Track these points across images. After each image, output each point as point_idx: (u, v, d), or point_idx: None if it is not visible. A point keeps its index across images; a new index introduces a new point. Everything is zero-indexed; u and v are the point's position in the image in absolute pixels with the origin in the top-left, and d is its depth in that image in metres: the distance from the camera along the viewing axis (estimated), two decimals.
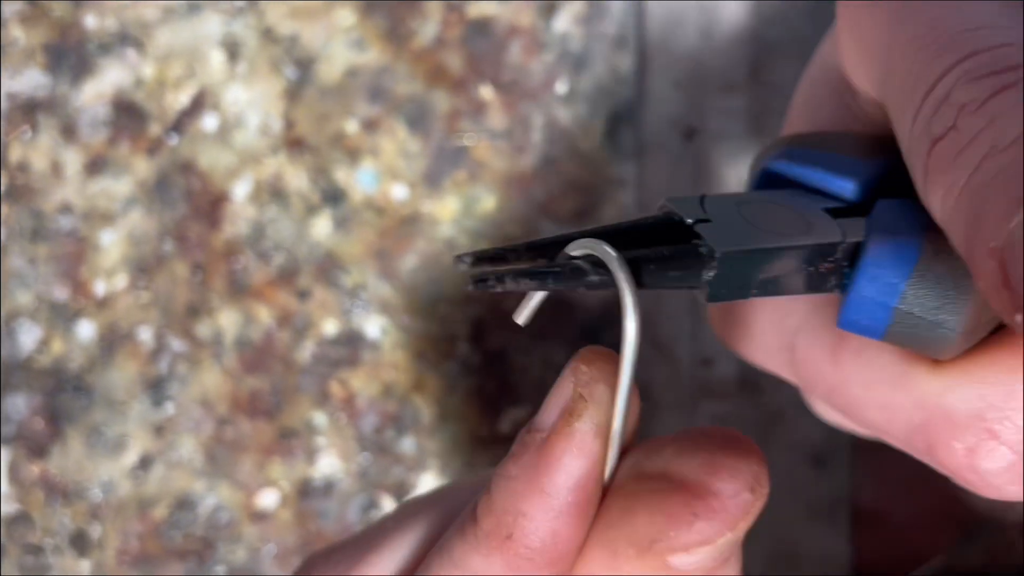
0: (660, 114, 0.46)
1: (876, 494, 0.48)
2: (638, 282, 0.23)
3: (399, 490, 0.46)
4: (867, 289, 0.24)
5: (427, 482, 0.46)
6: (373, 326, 0.45)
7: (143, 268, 0.43)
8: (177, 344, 0.44)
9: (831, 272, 0.25)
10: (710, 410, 0.46)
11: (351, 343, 0.45)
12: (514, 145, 0.46)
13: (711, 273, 0.23)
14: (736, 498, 0.24)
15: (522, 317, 0.26)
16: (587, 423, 0.25)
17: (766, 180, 0.28)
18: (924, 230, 0.24)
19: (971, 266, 0.20)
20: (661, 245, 0.24)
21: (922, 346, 0.25)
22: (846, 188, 0.26)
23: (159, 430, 0.44)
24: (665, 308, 0.46)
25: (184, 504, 0.44)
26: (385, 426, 0.46)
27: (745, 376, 0.46)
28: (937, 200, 0.22)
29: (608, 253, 0.23)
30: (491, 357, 0.46)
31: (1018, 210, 0.19)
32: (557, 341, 0.46)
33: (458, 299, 0.46)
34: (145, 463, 0.44)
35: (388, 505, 0.46)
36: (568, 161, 0.46)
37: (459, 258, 0.23)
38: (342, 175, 0.44)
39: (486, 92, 0.45)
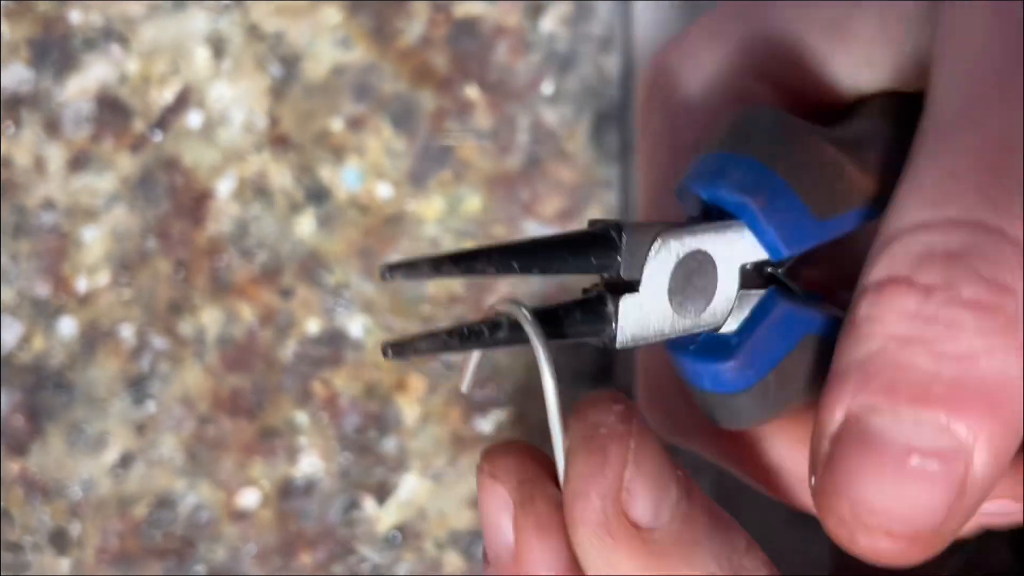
0: None
1: None
2: (551, 334, 0.25)
3: (381, 490, 0.46)
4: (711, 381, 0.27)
5: (409, 482, 0.46)
6: (356, 325, 0.45)
7: (126, 265, 0.43)
8: (159, 342, 0.44)
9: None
10: None
11: (334, 342, 0.45)
12: (499, 145, 0.46)
13: (615, 331, 0.25)
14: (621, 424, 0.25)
15: (465, 385, 0.27)
16: (541, 502, 0.25)
17: (707, 203, 0.28)
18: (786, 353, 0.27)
19: None
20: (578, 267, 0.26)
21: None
22: (779, 252, 0.27)
23: (140, 428, 0.44)
24: None
25: (164, 503, 0.44)
26: (367, 426, 0.46)
27: None
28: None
29: (523, 315, 0.24)
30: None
31: None
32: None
33: (441, 299, 0.46)
34: (126, 461, 0.44)
35: (370, 506, 0.46)
36: (553, 161, 0.47)
37: (382, 272, 0.24)
38: (327, 173, 0.45)
39: (472, 92, 0.46)
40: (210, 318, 0.44)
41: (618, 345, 0.26)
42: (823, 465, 0.25)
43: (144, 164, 0.43)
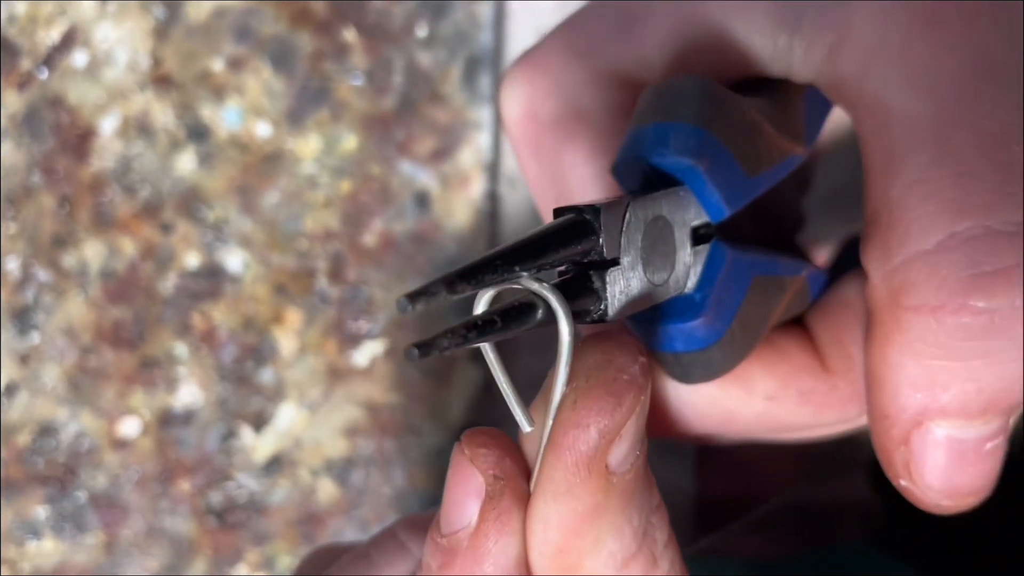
0: None
1: None
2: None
3: (258, 420, 0.48)
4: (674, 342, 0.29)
5: (286, 412, 0.49)
6: (235, 260, 0.47)
7: (11, 199, 0.44)
8: (43, 274, 0.45)
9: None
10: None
11: (213, 276, 0.47)
12: (375, 87, 0.48)
13: (606, 305, 0.27)
14: (633, 367, 0.26)
15: (528, 428, 0.27)
16: (509, 499, 0.26)
17: (648, 169, 0.29)
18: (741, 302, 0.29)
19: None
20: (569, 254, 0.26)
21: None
22: (721, 212, 0.29)
23: (24, 358, 0.45)
24: None
25: (47, 431, 0.46)
26: (245, 357, 0.48)
27: None
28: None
29: (550, 296, 0.25)
30: (349, 291, 0.48)
31: None
32: (415, 277, 0.49)
33: (318, 234, 0.48)
34: (10, 390, 0.45)
35: (247, 434, 0.48)
36: (428, 103, 0.49)
37: (401, 306, 0.23)
38: (207, 112, 0.46)
39: (349, 34, 0.47)
40: (93, 252, 0.46)
41: (610, 318, 0.27)
42: (906, 470, 0.28)
43: (30, 101, 0.44)
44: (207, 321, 0.47)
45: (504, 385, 0.27)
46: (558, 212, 0.27)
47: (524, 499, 0.26)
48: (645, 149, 0.28)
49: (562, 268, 0.27)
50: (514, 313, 0.25)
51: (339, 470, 0.49)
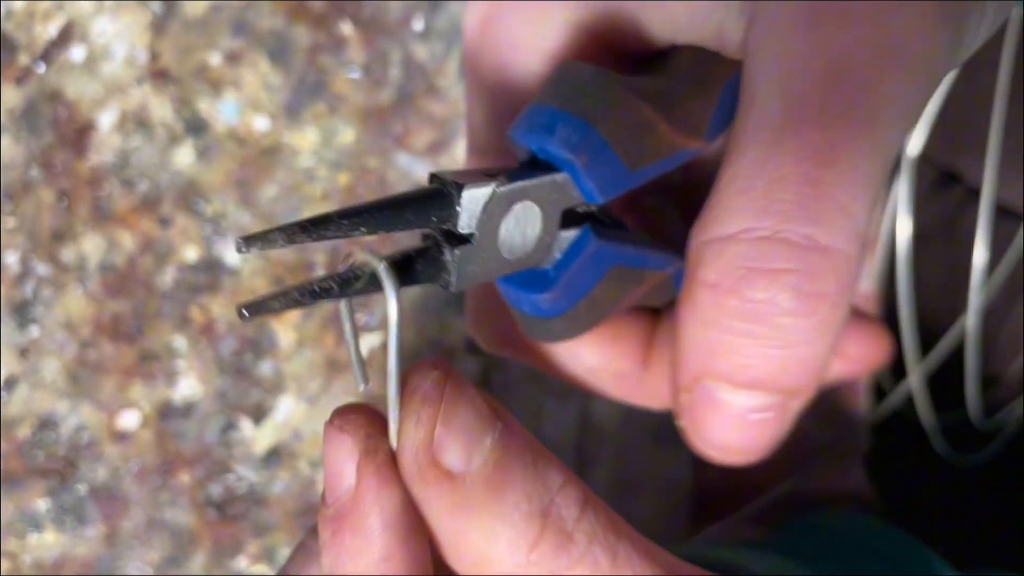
0: None
1: None
2: (400, 281, 0.28)
3: (257, 412, 0.49)
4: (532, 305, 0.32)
5: (285, 405, 0.49)
6: (233, 253, 0.47)
7: (10, 194, 0.45)
8: (42, 268, 0.45)
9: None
10: None
11: (211, 269, 0.47)
12: (372, 80, 0.48)
13: (453, 278, 0.29)
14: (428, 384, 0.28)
15: (362, 385, 0.29)
16: (383, 455, 0.28)
17: (537, 147, 0.31)
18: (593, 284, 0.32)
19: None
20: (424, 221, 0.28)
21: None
22: (595, 199, 0.31)
23: (23, 352, 0.46)
24: None
25: (47, 424, 0.46)
26: (244, 350, 0.48)
27: None
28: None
29: (379, 268, 0.27)
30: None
31: None
32: None
33: None
34: (9, 384, 0.46)
35: (246, 427, 0.49)
36: (424, 96, 0.49)
37: (237, 245, 0.26)
38: (205, 106, 0.47)
39: (346, 28, 0.48)
40: (92, 246, 0.46)
41: (453, 289, 0.29)
42: (684, 415, 0.31)
43: (28, 96, 0.44)
44: (206, 314, 0.48)
45: (351, 342, 0.29)
46: (432, 177, 0.29)
47: (391, 454, 0.28)
48: (534, 132, 0.30)
49: (426, 232, 0.29)
50: (348, 281, 0.27)
51: None
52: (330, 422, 0.28)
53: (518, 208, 0.30)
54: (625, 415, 0.60)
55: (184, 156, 0.47)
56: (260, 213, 0.48)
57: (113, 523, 0.48)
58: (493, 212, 0.29)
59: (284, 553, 0.50)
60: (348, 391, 0.50)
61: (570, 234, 0.32)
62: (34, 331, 0.46)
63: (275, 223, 0.47)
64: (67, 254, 0.46)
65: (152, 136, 0.46)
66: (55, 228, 0.46)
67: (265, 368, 0.49)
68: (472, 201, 0.29)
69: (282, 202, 0.48)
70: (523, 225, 0.30)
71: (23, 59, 0.44)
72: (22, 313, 0.46)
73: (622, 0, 0.33)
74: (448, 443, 0.27)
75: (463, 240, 0.29)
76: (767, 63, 0.29)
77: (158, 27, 0.46)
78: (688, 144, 0.33)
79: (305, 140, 0.48)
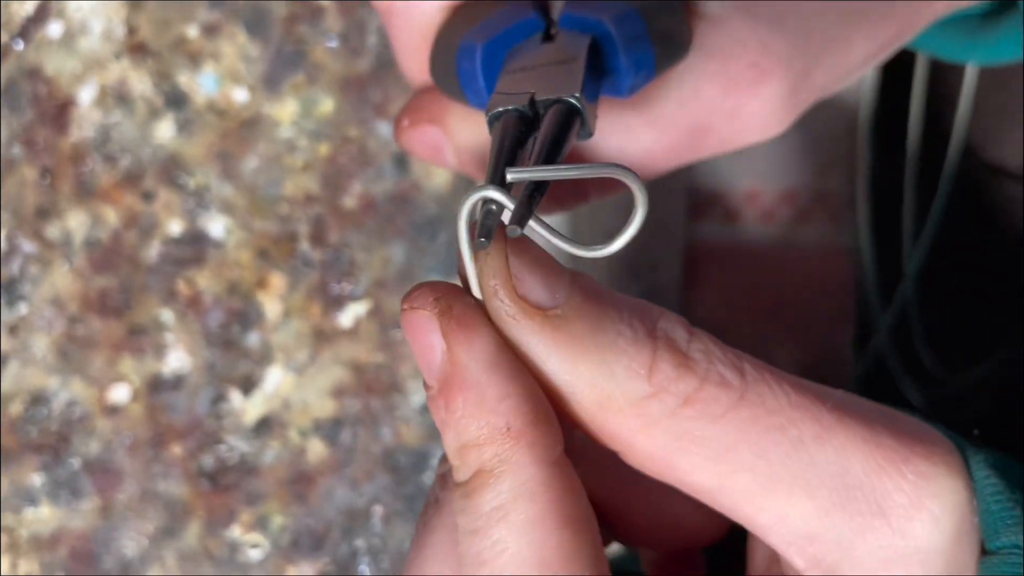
0: None
1: None
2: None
3: (246, 383, 0.49)
4: None
5: (273, 375, 0.49)
6: (217, 226, 0.48)
7: None
8: (28, 246, 0.46)
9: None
10: None
11: (196, 242, 0.47)
12: (350, 48, 0.48)
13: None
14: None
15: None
16: (459, 306, 0.26)
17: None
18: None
19: None
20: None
21: None
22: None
23: (12, 329, 0.46)
24: None
25: (39, 400, 0.47)
26: (230, 322, 0.48)
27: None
28: None
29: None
30: (331, 254, 0.49)
31: None
32: (395, 239, 0.49)
33: (299, 199, 0.48)
34: (0, 361, 0.46)
35: (236, 398, 0.49)
36: None
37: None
38: (184, 79, 0.47)
39: None
40: (76, 222, 0.46)
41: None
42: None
43: (7, 74, 0.44)
44: (192, 287, 0.48)
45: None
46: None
47: (472, 304, 0.27)
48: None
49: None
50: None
51: (327, 430, 0.50)
52: (402, 309, 0.27)
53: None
54: None
55: (165, 130, 0.47)
56: (242, 185, 0.48)
57: (107, 496, 0.48)
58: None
59: (278, 521, 0.50)
60: (336, 360, 0.50)
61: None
62: (22, 308, 0.46)
63: (258, 195, 0.48)
64: (52, 231, 0.46)
65: (132, 111, 0.46)
66: (39, 205, 0.46)
67: (252, 339, 0.49)
68: None
69: (264, 173, 0.48)
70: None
71: (1, 37, 0.44)
72: (10, 291, 0.46)
73: None
74: (528, 280, 0.26)
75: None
76: None
77: (134, 1, 0.46)
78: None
79: (285, 111, 0.48)
